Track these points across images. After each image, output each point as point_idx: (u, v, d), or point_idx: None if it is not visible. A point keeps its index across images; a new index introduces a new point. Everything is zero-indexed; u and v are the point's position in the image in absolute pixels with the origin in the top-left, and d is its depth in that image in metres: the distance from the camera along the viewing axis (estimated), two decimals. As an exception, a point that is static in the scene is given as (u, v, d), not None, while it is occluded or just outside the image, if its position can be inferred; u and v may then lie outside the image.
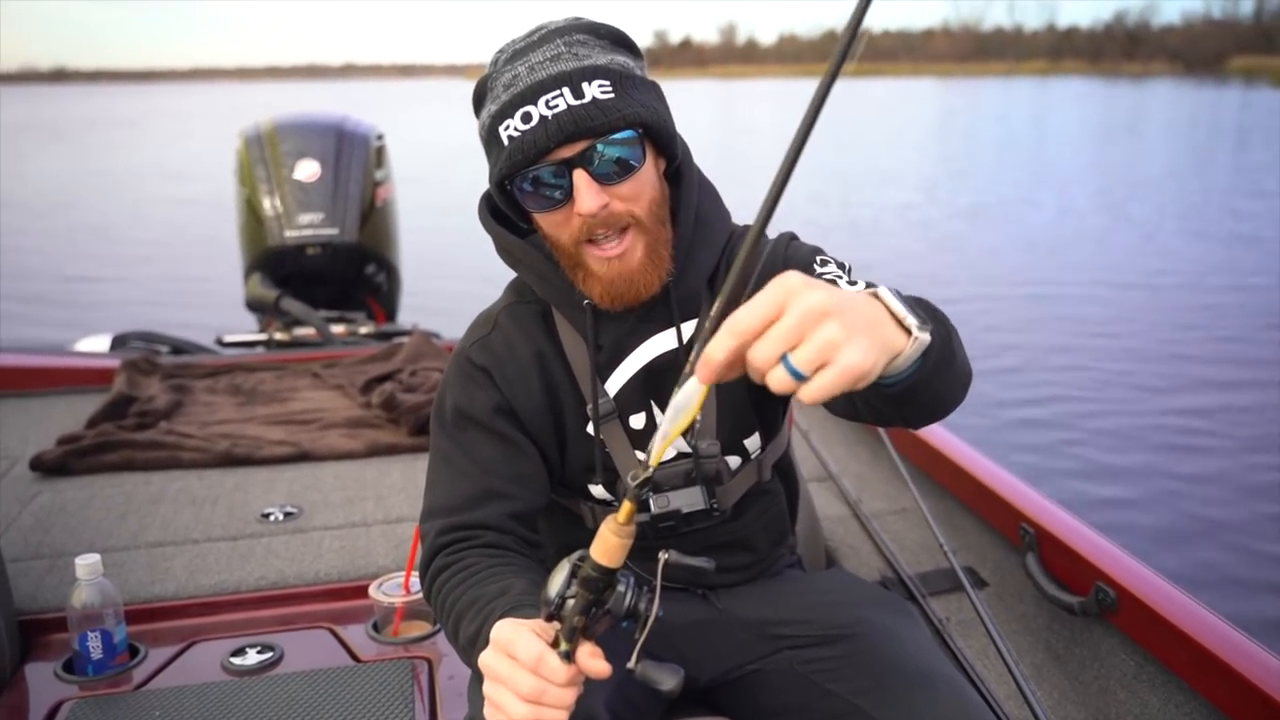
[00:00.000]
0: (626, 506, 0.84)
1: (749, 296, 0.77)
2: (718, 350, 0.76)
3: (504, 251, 1.28)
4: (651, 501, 1.26)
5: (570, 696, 0.90)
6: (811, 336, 0.75)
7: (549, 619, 0.90)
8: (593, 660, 0.89)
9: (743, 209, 1.21)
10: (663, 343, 1.26)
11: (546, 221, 1.16)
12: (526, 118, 1.10)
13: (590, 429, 1.27)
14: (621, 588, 0.87)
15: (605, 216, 1.12)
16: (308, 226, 3.54)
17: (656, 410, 1.27)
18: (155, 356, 3.26)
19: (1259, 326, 7.17)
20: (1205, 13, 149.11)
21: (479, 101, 1.18)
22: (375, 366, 3.10)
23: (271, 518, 2.18)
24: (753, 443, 1.32)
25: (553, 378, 1.28)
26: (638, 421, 1.28)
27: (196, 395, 2.99)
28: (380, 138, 3.90)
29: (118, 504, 2.25)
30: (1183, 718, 1.48)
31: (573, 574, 0.88)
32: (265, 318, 3.80)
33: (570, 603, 0.88)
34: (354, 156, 3.65)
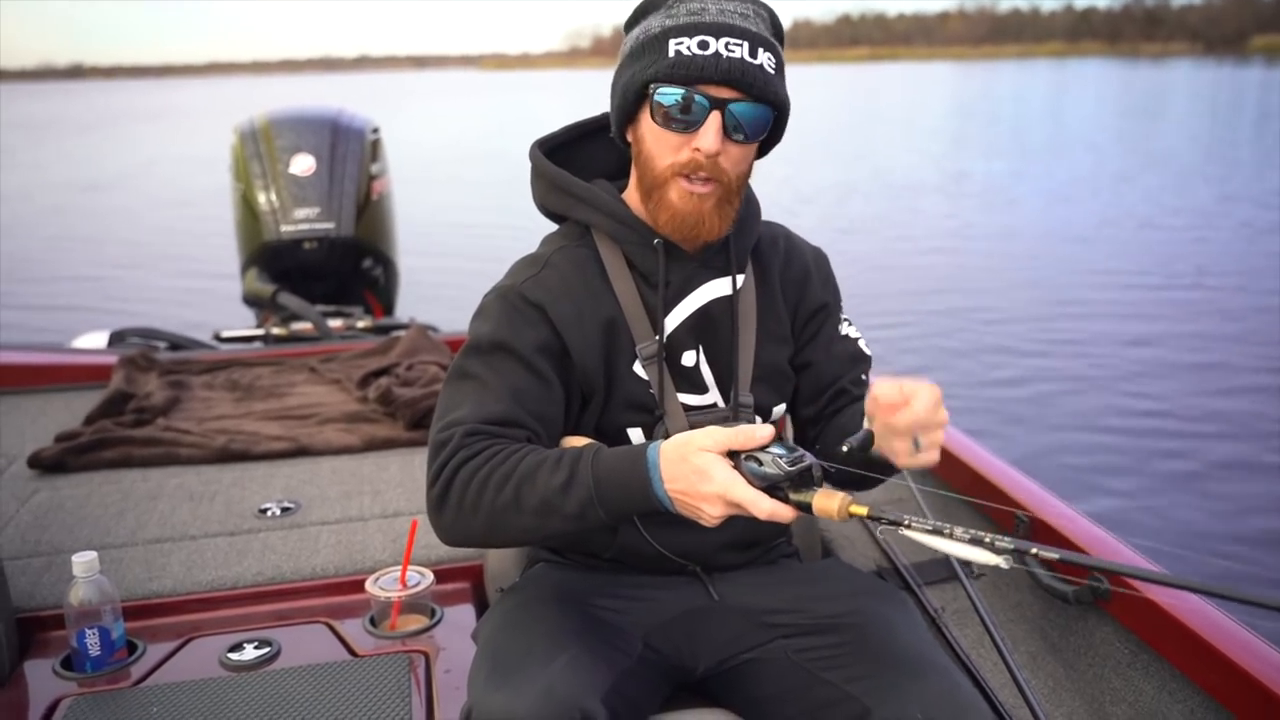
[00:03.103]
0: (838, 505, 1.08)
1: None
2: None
3: (562, 192, 1.35)
4: None
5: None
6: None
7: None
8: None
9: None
10: (719, 288, 1.35)
11: (659, 140, 1.24)
12: (704, 45, 1.20)
13: (637, 367, 1.33)
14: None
15: (711, 162, 1.22)
16: (304, 221, 3.54)
17: (703, 351, 1.35)
18: (153, 353, 3.25)
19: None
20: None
21: (642, 15, 1.28)
22: (372, 360, 3.08)
23: (269, 513, 2.18)
24: (778, 411, 1.39)
25: (604, 316, 1.31)
26: (689, 359, 1.34)
27: (194, 391, 2.98)
28: (376, 131, 3.88)
29: (115, 501, 2.26)
30: (1176, 704, 1.47)
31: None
32: (263, 313, 3.79)
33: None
34: (349, 150, 3.64)
